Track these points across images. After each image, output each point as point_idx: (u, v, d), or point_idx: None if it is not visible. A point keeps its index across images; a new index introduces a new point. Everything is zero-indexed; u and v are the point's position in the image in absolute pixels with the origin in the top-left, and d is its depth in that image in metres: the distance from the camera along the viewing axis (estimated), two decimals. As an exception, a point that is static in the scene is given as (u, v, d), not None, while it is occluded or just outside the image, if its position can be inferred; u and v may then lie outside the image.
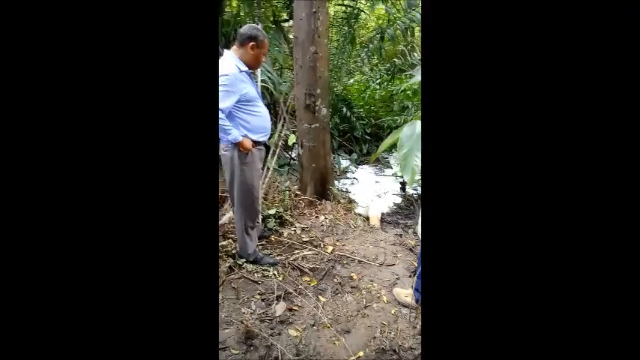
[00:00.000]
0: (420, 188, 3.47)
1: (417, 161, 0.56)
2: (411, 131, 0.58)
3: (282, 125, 2.91)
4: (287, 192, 2.57)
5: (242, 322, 1.49)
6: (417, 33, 4.94)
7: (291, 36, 3.13)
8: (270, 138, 2.01)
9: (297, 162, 2.97)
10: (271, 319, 1.56)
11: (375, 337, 1.48)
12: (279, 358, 1.37)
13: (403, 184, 3.62)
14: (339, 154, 3.94)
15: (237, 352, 1.38)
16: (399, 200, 3.28)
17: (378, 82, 4.69)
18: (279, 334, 1.49)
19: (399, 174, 3.82)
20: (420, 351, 1.41)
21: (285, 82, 3.40)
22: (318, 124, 2.49)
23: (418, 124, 0.58)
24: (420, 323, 1.49)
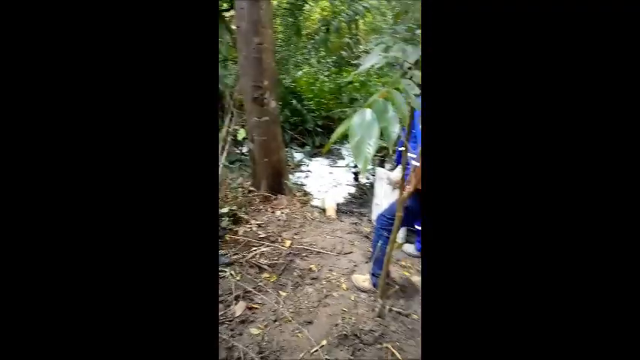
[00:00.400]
0: (372, 178, 3.59)
1: (369, 149, 0.57)
2: (361, 119, 0.59)
3: (230, 120, 2.79)
4: (240, 189, 2.49)
5: (200, 328, 1.42)
6: (361, 25, 5.05)
7: (233, 26, 3.00)
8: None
9: (248, 157, 2.88)
10: (231, 320, 1.51)
11: (336, 325, 1.51)
12: (242, 358, 1.33)
13: (356, 174, 3.72)
14: (291, 148, 3.92)
15: (197, 359, 1.32)
16: (352, 190, 3.37)
17: (326, 74, 4.73)
18: (240, 334, 1.45)
19: (352, 164, 3.92)
20: (379, 332, 1.47)
21: (230, 74, 3.27)
22: (267, 117, 2.44)
23: (367, 112, 0.59)
24: (378, 307, 1.55)
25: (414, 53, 0.74)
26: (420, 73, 0.75)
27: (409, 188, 1.39)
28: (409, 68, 0.77)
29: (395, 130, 0.60)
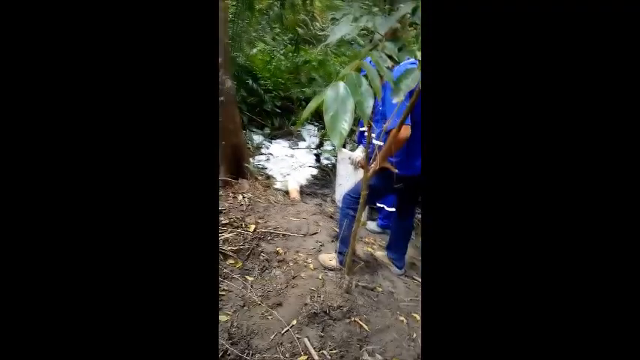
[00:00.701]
0: (333, 159, 3.62)
1: (344, 125, 0.55)
2: (335, 93, 0.56)
3: (183, 100, 2.60)
4: (197, 174, 2.36)
5: (163, 321, 1.35)
6: (317, 2, 4.90)
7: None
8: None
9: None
10: (197, 310, 1.46)
11: (306, 304, 1.53)
12: (211, 347, 1.30)
13: (318, 156, 3.72)
14: (250, 130, 3.78)
15: (162, 353, 1.26)
16: (315, 172, 3.37)
17: (282, 52, 4.56)
18: (208, 323, 1.41)
19: (313, 146, 3.90)
20: (347, 307, 1.52)
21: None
22: (223, 98, 2.30)
23: (341, 85, 0.56)
24: (345, 284, 1.60)
25: (384, 24, 0.71)
26: (391, 45, 0.74)
27: (373, 167, 1.41)
28: (379, 40, 0.75)
29: (369, 104, 0.59)
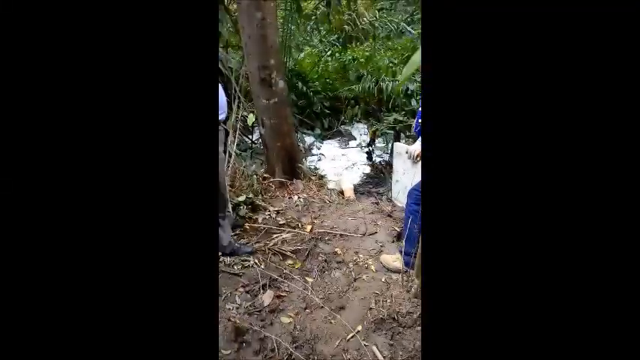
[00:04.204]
0: (386, 156, 3.47)
1: None
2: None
3: (238, 106, 2.68)
4: (254, 176, 2.40)
5: (229, 320, 1.36)
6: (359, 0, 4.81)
7: (232, 7, 2.84)
8: (226, 120, 1.81)
9: (259, 145, 2.78)
10: (260, 311, 1.45)
11: (371, 309, 1.43)
12: (275, 349, 1.27)
13: (369, 154, 3.60)
14: (301, 132, 3.80)
15: (229, 351, 1.25)
16: (367, 170, 3.26)
17: (329, 53, 4.54)
18: (271, 324, 1.38)
19: (364, 144, 3.79)
20: (418, 313, 1.38)
21: (233, 58, 3.13)
22: (276, 99, 2.32)
23: None
24: (414, 288, 1.47)
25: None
26: None
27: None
28: None
29: None
